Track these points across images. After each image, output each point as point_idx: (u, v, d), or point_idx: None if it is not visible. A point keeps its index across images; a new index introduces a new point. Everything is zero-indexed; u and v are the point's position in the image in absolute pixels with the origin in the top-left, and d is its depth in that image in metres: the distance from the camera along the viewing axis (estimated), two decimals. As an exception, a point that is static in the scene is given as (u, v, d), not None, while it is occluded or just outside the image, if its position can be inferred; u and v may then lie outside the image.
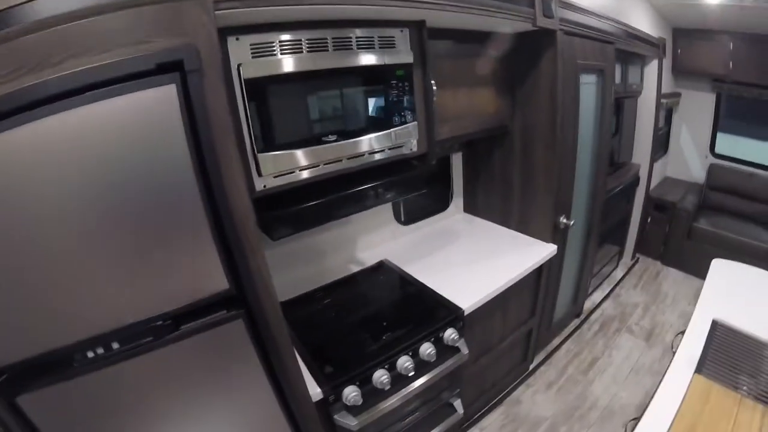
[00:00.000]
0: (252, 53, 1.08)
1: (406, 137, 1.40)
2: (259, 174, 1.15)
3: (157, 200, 0.84)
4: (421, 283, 1.77)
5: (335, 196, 1.29)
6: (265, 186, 1.17)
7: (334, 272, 1.95)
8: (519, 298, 1.94)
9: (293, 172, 1.21)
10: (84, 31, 0.75)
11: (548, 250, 1.97)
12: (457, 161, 2.36)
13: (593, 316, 3.00)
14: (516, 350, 2.23)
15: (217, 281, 0.95)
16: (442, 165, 2.32)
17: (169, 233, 0.87)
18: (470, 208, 2.47)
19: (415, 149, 1.44)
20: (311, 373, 1.33)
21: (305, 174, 1.23)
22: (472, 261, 1.93)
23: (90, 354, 0.84)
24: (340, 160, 1.27)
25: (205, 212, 0.89)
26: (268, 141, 1.13)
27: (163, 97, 0.80)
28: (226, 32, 1.02)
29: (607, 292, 3.25)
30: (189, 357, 0.97)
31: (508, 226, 2.22)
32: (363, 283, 1.88)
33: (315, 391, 1.26)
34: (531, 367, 2.47)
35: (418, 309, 1.63)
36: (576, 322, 2.89)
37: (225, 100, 0.89)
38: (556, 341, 2.70)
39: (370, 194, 1.37)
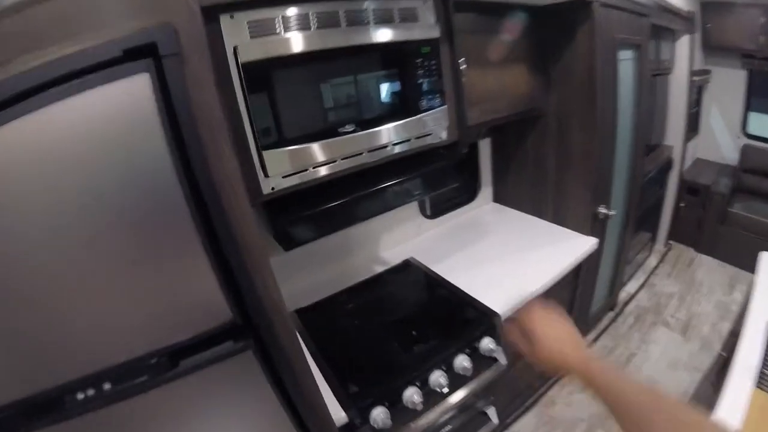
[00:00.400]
0: (250, 33, 0.91)
1: (435, 124, 1.22)
2: (266, 174, 0.99)
3: (134, 219, 0.69)
4: (452, 284, 1.61)
5: (356, 195, 1.14)
6: (273, 188, 1.02)
7: (356, 273, 1.80)
8: (555, 296, 1.77)
9: (306, 170, 1.05)
10: (32, 19, 0.61)
11: (589, 243, 1.78)
12: (485, 148, 2.17)
13: (628, 309, 2.85)
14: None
15: (218, 311, 0.80)
16: (468, 152, 2.13)
17: (154, 258, 0.72)
18: (500, 198, 2.29)
19: (444, 137, 1.27)
20: (334, 393, 1.20)
21: (321, 171, 1.07)
22: (505, 257, 1.76)
23: (80, 395, 0.73)
24: (361, 154, 1.11)
25: (196, 228, 0.72)
26: (275, 135, 0.98)
27: (135, 89, 0.64)
28: (217, 10, 0.87)
29: (641, 281, 3.09)
30: (193, 394, 0.84)
31: (543, 217, 2.04)
32: (388, 285, 1.72)
33: (339, 416, 1.13)
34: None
35: (450, 315, 1.48)
36: (611, 315, 2.73)
37: (214, 90, 0.72)
38: (590, 337, 2.55)
39: (396, 191, 1.21)
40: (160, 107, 0.65)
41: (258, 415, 0.95)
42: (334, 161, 1.07)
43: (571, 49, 1.61)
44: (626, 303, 2.88)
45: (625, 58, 1.88)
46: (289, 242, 1.10)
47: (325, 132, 1.04)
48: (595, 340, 2.56)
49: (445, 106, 1.23)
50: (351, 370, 1.29)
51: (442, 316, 1.48)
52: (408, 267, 1.82)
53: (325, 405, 1.05)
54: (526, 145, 1.97)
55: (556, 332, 0.81)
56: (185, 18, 0.69)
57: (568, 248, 1.76)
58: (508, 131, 2.03)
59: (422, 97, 1.17)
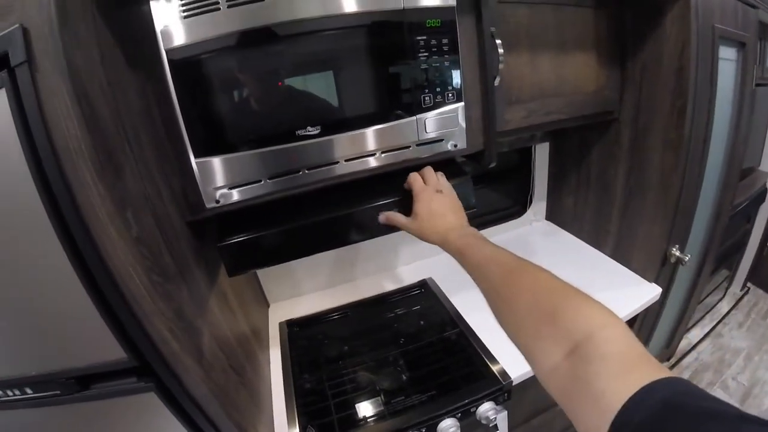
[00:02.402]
0: (183, 11, 0.69)
1: (446, 127, 0.92)
2: (206, 186, 0.79)
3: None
4: (466, 325, 1.32)
5: (315, 220, 0.89)
6: (218, 202, 0.81)
7: (365, 287, 1.59)
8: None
9: (260, 181, 0.82)
10: None
11: (650, 294, 1.40)
12: (542, 153, 1.79)
13: (686, 360, 2.46)
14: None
15: (109, 349, 0.68)
16: (521, 156, 1.79)
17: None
18: (555, 216, 1.92)
19: (460, 145, 0.96)
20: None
21: (275, 184, 0.83)
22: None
23: (10, 393, 0.74)
24: (335, 163, 0.85)
25: (73, 267, 0.60)
26: (215, 140, 0.77)
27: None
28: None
29: (707, 329, 2.65)
30: (104, 417, 0.79)
31: (601, 249, 1.66)
32: (393, 310, 1.47)
33: None
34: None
35: (452, 364, 1.21)
36: (665, 365, 2.30)
37: (68, 102, 0.54)
38: None
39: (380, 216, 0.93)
40: (19, 130, 0.54)
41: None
42: (296, 171, 0.82)
43: (657, 39, 1.20)
44: (685, 354, 2.48)
45: (726, 58, 1.42)
46: (231, 266, 0.88)
47: (278, 137, 0.80)
48: None
49: (461, 103, 0.92)
50: (318, 410, 1.11)
51: (442, 364, 1.21)
52: (422, 290, 1.55)
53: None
54: (590, 157, 1.58)
55: (438, 208, 0.87)
56: (36, 11, 0.53)
57: (624, 296, 1.39)
58: (571, 136, 1.65)
59: (425, 91, 0.87)
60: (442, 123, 0.90)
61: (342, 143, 0.83)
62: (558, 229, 1.87)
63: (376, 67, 0.82)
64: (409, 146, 0.89)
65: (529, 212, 1.89)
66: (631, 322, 1.44)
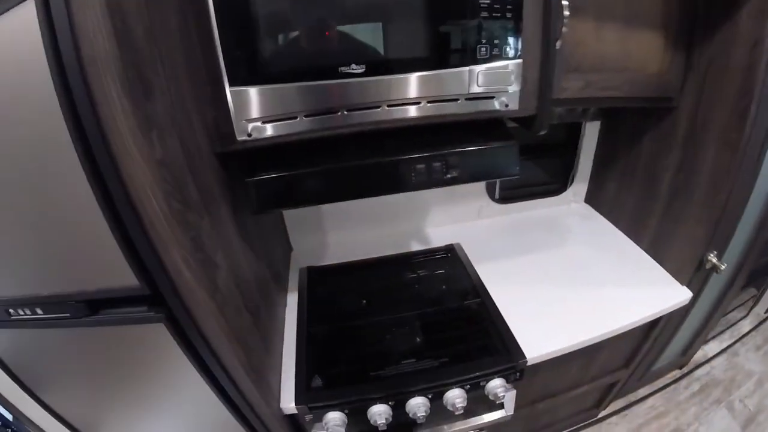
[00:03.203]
0: None
1: (499, 83, 0.85)
2: (239, 117, 0.75)
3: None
4: (488, 297, 1.29)
5: (346, 165, 0.85)
6: (250, 135, 0.78)
7: (392, 243, 1.56)
8: (614, 346, 1.39)
9: (295, 118, 0.78)
10: None
11: (679, 297, 1.33)
12: (591, 132, 1.68)
13: (698, 372, 2.34)
14: (588, 397, 1.71)
15: (122, 275, 0.67)
16: (568, 132, 1.68)
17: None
18: (594, 200, 1.83)
19: (511, 105, 0.89)
20: (296, 380, 1.07)
21: (311, 122, 0.78)
22: (570, 282, 1.37)
23: (20, 312, 0.74)
24: (376, 107, 0.80)
25: (90, 184, 0.58)
26: (253, 67, 0.73)
27: (24, 17, 0.49)
28: None
29: (725, 345, 2.52)
30: (114, 344, 0.80)
31: (637, 242, 1.57)
32: (417, 271, 1.44)
33: (288, 405, 1.02)
34: (600, 414, 1.94)
35: (468, 334, 1.18)
36: (675, 374, 2.27)
37: (99, 16, 0.50)
38: (642, 391, 2.13)
39: (419, 169, 0.88)
40: (45, 39, 0.50)
41: (181, 384, 0.87)
42: (335, 111, 0.78)
43: (728, 31, 1.08)
44: (698, 366, 2.37)
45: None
46: (258, 203, 0.85)
47: (320, 71, 0.75)
48: (646, 398, 2.13)
49: (519, 60, 0.84)
50: (327, 360, 1.12)
51: (459, 332, 1.19)
52: (448, 255, 1.51)
53: (256, 394, 0.90)
54: (642, 144, 1.48)
55: None
56: None
57: (653, 295, 1.32)
58: (624, 118, 1.54)
59: (482, 41, 0.79)
60: (496, 78, 0.83)
61: (386, 86, 0.78)
62: (595, 214, 1.78)
63: (432, 7, 0.76)
64: (458, 99, 0.83)
65: (569, 192, 1.80)
66: (653, 323, 1.38)
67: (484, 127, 0.92)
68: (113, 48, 0.51)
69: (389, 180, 0.89)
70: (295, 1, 0.72)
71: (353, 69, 0.73)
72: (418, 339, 1.17)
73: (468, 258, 1.46)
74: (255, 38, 0.70)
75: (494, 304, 1.25)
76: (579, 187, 1.82)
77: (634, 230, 1.60)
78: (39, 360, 0.84)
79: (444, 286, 1.36)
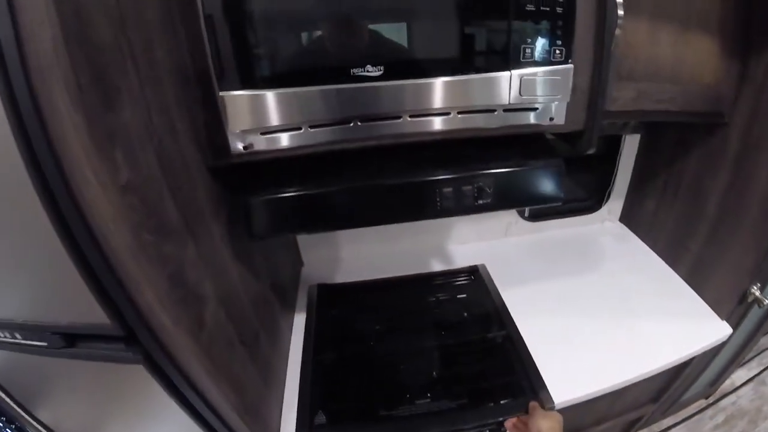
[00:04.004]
0: None
1: (545, 92, 0.71)
2: (233, 127, 0.64)
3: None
4: (514, 328, 1.16)
5: (358, 186, 0.73)
6: (247, 148, 0.66)
7: (412, 262, 1.44)
8: (645, 384, 1.26)
9: (299, 129, 0.66)
10: None
11: (719, 333, 1.20)
12: (630, 145, 1.55)
13: (724, 402, 2.22)
14: (611, 431, 1.58)
15: (94, 313, 0.56)
16: (606, 145, 1.54)
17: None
18: (630, 219, 1.69)
19: (557, 119, 0.76)
20: (298, 414, 0.97)
21: (317, 135, 0.66)
22: (603, 311, 1.24)
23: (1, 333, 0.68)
24: (396, 118, 0.67)
25: (48, 214, 0.47)
26: (246, 70, 0.61)
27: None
28: None
29: (753, 373, 2.38)
30: (95, 377, 0.73)
31: (675, 267, 1.43)
32: (436, 294, 1.32)
33: None
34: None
35: (490, 370, 1.05)
36: (701, 403, 2.16)
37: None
38: (666, 422, 2.02)
39: (446, 193, 0.75)
40: None
41: (172, 422, 0.79)
42: (346, 122, 0.66)
43: None
44: (725, 395, 2.26)
45: None
46: (250, 228, 0.73)
47: (329, 73, 0.62)
48: (669, 428, 2.03)
49: (570, 65, 0.70)
50: (334, 393, 1.02)
51: (480, 367, 1.06)
52: (473, 277, 1.38)
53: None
54: (687, 160, 1.34)
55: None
56: None
57: (691, 330, 1.19)
58: (667, 132, 1.40)
59: (526, 40, 0.66)
60: (543, 86, 0.69)
61: (409, 93, 0.65)
62: (630, 234, 1.64)
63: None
64: (495, 110, 0.70)
65: (604, 209, 1.66)
66: (688, 360, 1.24)
67: (521, 140, 0.79)
68: (60, 46, 0.40)
69: (409, 206, 0.76)
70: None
71: (369, 71, 0.61)
72: (434, 373, 1.05)
73: (493, 282, 1.33)
74: (249, 33, 0.58)
75: (521, 337, 1.12)
76: (614, 205, 1.68)
77: (672, 254, 1.46)
78: (28, 378, 0.79)
79: (466, 314, 1.23)
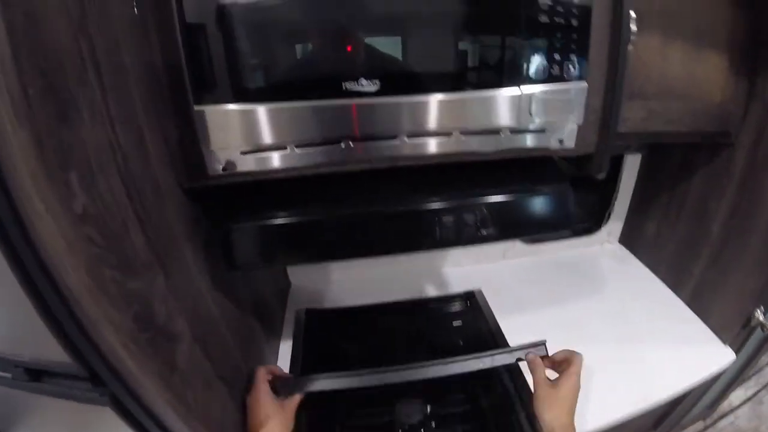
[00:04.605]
0: None
1: (557, 112, 0.65)
2: (211, 145, 0.57)
3: None
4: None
5: (347, 215, 0.65)
6: (226, 169, 0.59)
7: (402, 285, 1.37)
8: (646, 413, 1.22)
9: (284, 149, 0.59)
10: None
11: (723, 360, 1.16)
12: (631, 165, 1.51)
13: (721, 424, 2.22)
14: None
15: (56, 351, 0.50)
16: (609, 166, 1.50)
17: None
18: (630, 241, 1.65)
19: (567, 142, 0.70)
20: None
21: (304, 156, 0.59)
22: (604, 339, 1.18)
23: None
24: (392, 138, 0.61)
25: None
26: (225, 81, 0.54)
27: None
28: None
29: (751, 393, 2.38)
30: (65, 413, 0.69)
31: (677, 291, 1.39)
32: (430, 319, 1.26)
33: None
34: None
35: (488, 408, 0.99)
36: (699, 425, 2.13)
37: None
38: None
39: (446, 222, 0.68)
40: None
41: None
42: (335, 141, 0.59)
43: None
44: (723, 416, 2.24)
45: None
46: (229, 259, 0.66)
47: (318, 87, 0.56)
48: None
49: (584, 84, 0.65)
50: (313, 427, 0.94)
51: (476, 404, 1.00)
52: (468, 304, 1.31)
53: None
54: (690, 181, 1.31)
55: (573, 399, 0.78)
56: None
57: (695, 357, 1.15)
58: (669, 152, 1.37)
59: (538, 56, 0.60)
60: (555, 105, 0.63)
61: (407, 110, 0.59)
62: (631, 257, 1.59)
63: (476, 4, 0.57)
64: (500, 131, 0.64)
65: (603, 231, 1.62)
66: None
67: (524, 161, 0.72)
68: (3, 47, 0.33)
69: (405, 236, 0.69)
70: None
71: (363, 86, 0.55)
72: (428, 409, 0.97)
73: (490, 308, 1.27)
74: (228, 42, 0.52)
75: (520, 371, 1.05)
76: (614, 226, 1.64)
77: (674, 278, 1.42)
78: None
79: (461, 342, 1.16)
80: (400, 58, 0.57)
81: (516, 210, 0.71)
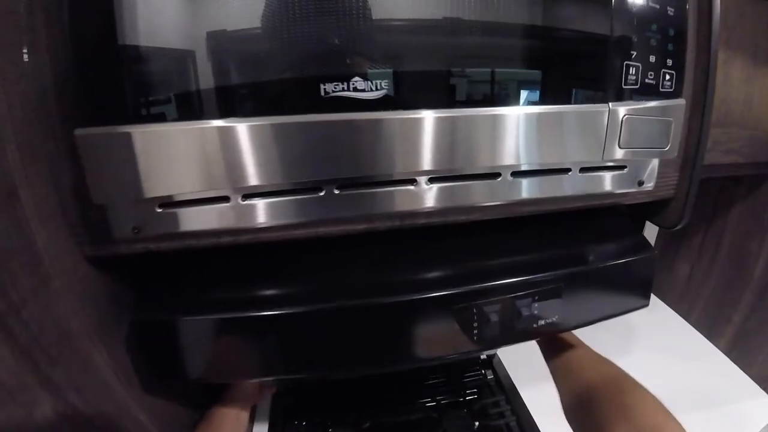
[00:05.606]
0: None
1: (650, 139, 0.43)
2: (114, 195, 0.34)
3: None
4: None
5: (330, 308, 0.41)
6: (138, 231, 0.36)
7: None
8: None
9: (225, 201, 0.36)
10: None
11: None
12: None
13: None
14: None
15: None
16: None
17: None
18: (658, 285, 1.48)
19: (647, 182, 0.49)
20: None
21: (258, 211, 0.37)
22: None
23: None
24: (410, 183, 0.38)
25: None
26: (126, 86, 0.31)
27: None
28: None
29: None
30: None
31: (714, 340, 1.28)
32: (439, 395, 0.99)
33: None
34: None
35: None
36: None
37: None
38: None
39: (487, 314, 0.44)
40: None
41: None
42: (312, 189, 0.37)
43: None
44: None
45: None
46: (149, 368, 0.43)
47: (282, 94, 0.33)
48: None
49: (682, 101, 0.44)
50: None
51: None
52: (484, 372, 1.07)
53: None
54: (727, 218, 1.22)
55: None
56: None
57: (740, 412, 1.03)
58: (705, 185, 1.26)
59: (630, 57, 0.39)
60: (649, 130, 0.41)
61: (432, 134, 0.36)
62: (659, 303, 1.46)
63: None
64: (568, 170, 0.43)
65: (628, 275, 1.44)
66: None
67: (581, 214, 0.51)
68: None
69: (422, 342, 0.45)
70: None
71: (358, 89, 0.32)
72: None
73: (509, 377, 1.03)
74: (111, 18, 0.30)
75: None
76: (640, 268, 1.46)
77: (710, 325, 1.31)
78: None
79: (477, 424, 0.90)
80: (422, 48, 0.35)
81: (591, 288, 0.49)
